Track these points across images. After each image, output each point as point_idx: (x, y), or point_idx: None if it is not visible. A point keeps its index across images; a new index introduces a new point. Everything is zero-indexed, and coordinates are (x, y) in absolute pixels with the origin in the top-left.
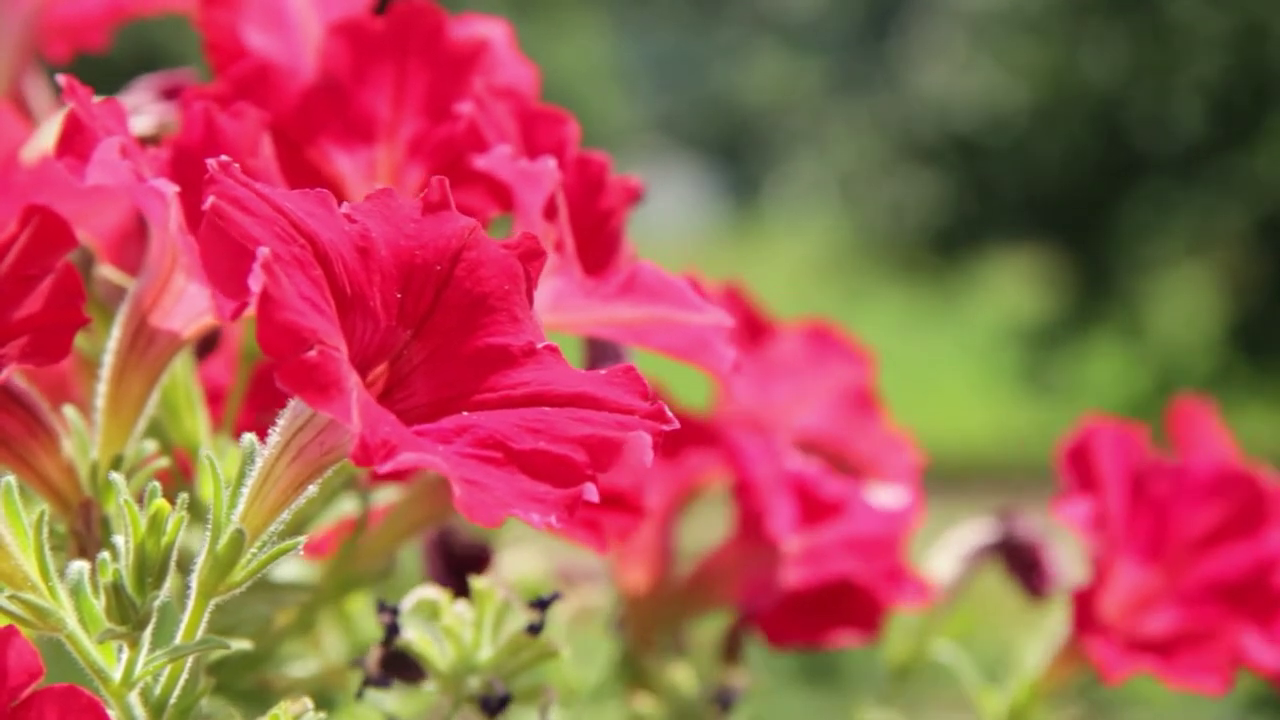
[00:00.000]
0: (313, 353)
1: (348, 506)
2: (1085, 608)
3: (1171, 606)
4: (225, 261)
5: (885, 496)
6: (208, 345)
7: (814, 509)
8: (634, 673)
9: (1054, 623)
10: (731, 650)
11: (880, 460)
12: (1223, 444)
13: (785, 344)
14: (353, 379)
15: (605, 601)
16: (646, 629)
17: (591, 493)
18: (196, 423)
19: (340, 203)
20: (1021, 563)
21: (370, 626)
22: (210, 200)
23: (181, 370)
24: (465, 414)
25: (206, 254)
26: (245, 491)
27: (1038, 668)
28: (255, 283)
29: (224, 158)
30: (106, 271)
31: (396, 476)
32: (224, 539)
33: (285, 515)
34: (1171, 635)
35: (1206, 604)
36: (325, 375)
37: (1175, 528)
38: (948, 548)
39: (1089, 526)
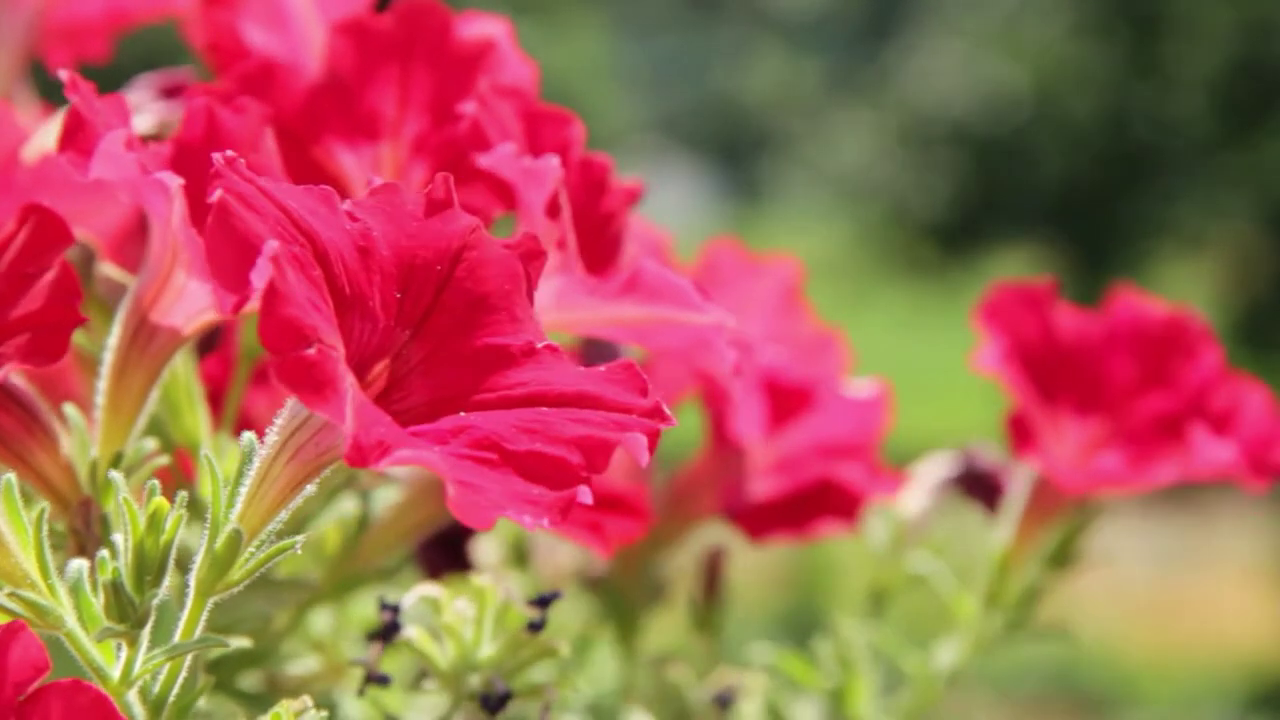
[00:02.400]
0: (311, 350)
1: (348, 506)
2: (1023, 429)
3: (1117, 448)
4: (230, 256)
5: (857, 388)
6: (209, 342)
7: (786, 401)
8: (621, 611)
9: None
10: (711, 580)
11: (813, 361)
12: (1150, 301)
13: (708, 267)
14: (348, 379)
15: (583, 560)
16: (630, 561)
17: (586, 495)
18: (197, 420)
19: (343, 200)
20: (984, 487)
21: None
22: (218, 193)
23: (182, 367)
24: (462, 414)
25: (212, 248)
26: (243, 491)
27: (1005, 539)
28: (260, 277)
29: (229, 152)
30: (107, 269)
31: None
32: (222, 538)
33: (283, 514)
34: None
35: (1150, 439)
36: (322, 374)
37: (1109, 375)
38: (912, 482)
39: (1006, 361)
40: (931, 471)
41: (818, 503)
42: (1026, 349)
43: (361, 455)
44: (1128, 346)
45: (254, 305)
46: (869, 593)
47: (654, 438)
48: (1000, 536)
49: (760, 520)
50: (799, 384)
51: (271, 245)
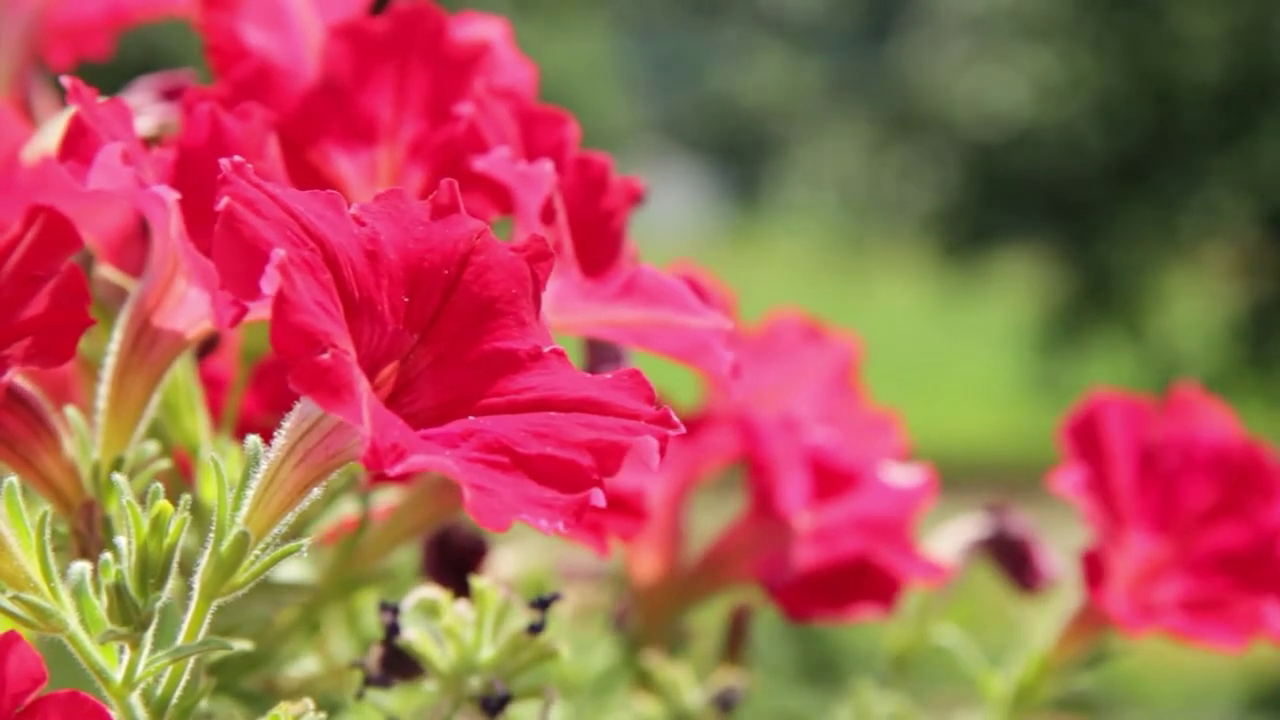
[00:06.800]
0: (325, 355)
1: (349, 508)
2: (1097, 568)
3: (1180, 577)
4: (238, 262)
5: (900, 474)
6: (208, 345)
7: (829, 481)
8: (638, 664)
9: (1061, 601)
10: (736, 638)
11: (866, 443)
12: (1224, 421)
13: (770, 334)
14: (363, 383)
15: (605, 598)
16: (656, 614)
17: (599, 498)
18: (196, 423)
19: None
20: (1013, 558)
21: (374, 626)
22: (224, 201)
23: (181, 370)
24: (471, 418)
25: (220, 255)
26: (249, 494)
27: (1047, 642)
28: (269, 284)
29: (237, 158)
30: (107, 272)
31: (403, 479)
32: (228, 541)
33: (289, 518)
34: (1183, 602)
35: (1214, 575)
36: (337, 378)
37: (1182, 499)
38: (940, 542)
39: (1087, 491)
40: (959, 533)
41: (857, 585)
42: (1108, 477)
43: (378, 459)
44: (1204, 472)
45: (253, 316)
46: (891, 658)
47: (664, 443)
48: (1041, 639)
49: (799, 599)
50: (846, 466)
51: (279, 253)
